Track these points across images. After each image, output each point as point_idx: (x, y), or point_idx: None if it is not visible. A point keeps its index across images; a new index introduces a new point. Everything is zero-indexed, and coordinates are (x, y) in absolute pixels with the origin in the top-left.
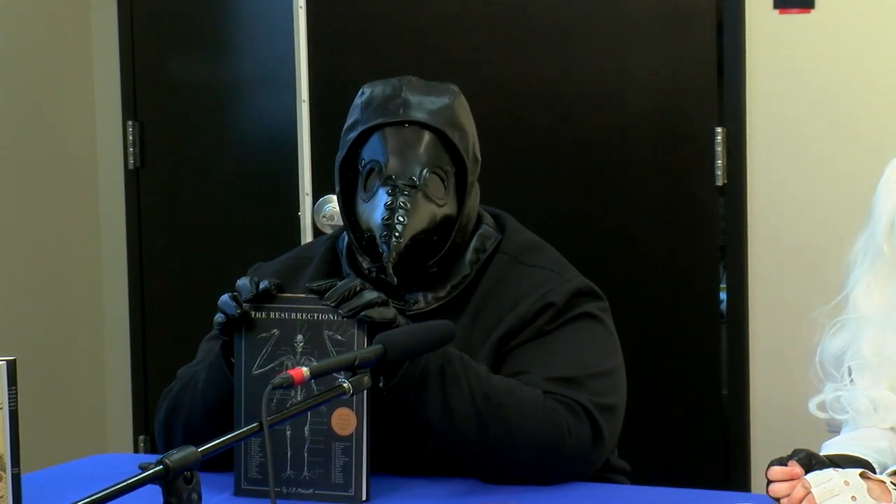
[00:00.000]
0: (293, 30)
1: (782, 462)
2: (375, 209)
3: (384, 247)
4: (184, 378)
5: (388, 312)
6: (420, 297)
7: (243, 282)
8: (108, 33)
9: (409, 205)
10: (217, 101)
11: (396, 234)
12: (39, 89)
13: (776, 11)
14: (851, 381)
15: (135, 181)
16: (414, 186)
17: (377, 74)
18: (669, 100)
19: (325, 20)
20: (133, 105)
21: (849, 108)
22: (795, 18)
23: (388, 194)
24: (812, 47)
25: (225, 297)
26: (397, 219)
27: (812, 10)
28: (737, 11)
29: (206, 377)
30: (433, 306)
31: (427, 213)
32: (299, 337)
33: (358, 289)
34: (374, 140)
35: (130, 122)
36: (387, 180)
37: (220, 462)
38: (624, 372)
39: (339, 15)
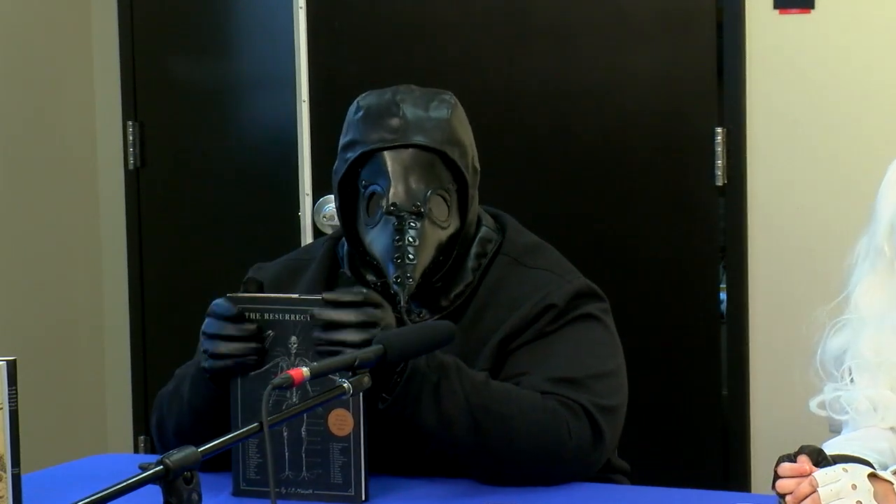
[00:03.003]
0: (293, 30)
1: (791, 458)
2: (382, 242)
3: (397, 288)
4: (173, 382)
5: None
6: (423, 309)
7: (220, 309)
8: (108, 33)
9: (417, 240)
10: (217, 101)
11: (408, 276)
12: (39, 89)
13: (776, 11)
14: (851, 380)
15: (135, 181)
16: (419, 214)
17: (377, 74)
18: (669, 100)
19: (325, 20)
20: (133, 105)
21: (849, 108)
22: (795, 18)
23: (395, 228)
24: (812, 47)
25: (212, 329)
26: (407, 258)
27: (812, 10)
28: (737, 11)
29: (190, 387)
30: (436, 317)
31: (434, 241)
32: (293, 338)
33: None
34: (374, 163)
35: (130, 122)
36: (391, 209)
37: (219, 462)
38: (625, 373)
39: (339, 15)
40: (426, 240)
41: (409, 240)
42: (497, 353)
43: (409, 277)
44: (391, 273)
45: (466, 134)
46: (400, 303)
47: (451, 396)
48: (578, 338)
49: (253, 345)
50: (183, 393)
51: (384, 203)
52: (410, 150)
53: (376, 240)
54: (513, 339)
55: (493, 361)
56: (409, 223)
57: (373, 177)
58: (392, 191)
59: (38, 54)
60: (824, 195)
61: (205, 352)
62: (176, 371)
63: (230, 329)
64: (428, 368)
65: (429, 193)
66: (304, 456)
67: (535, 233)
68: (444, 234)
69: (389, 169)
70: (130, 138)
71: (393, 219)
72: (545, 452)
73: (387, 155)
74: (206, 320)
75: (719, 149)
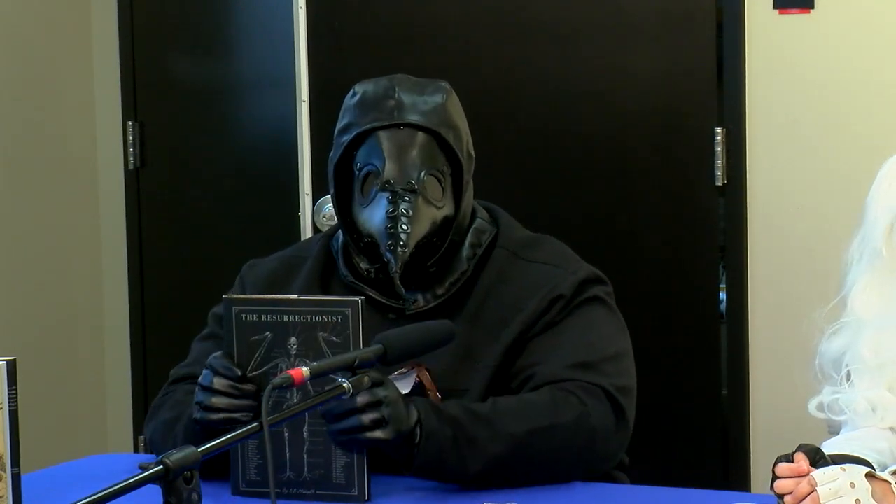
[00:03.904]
0: (293, 30)
1: (789, 458)
2: (376, 216)
3: (389, 256)
4: (171, 411)
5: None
6: (419, 296)
7: (217, 364)
8: (108, 33)
9: (410, 212)
10: (217, 101)
11: (401, 243)
12: (39, 89)
13: (776, 11)
14: (850, 383)
15: (135, 181)
16: (413, 191)
17: (377, 74)
18: (669, 100)
19: (325, 20)
20: (133, 105)
21: (849, 108)
22: (795, 18)
23: (389, 201)
24: (812, 47)
25: (207, 382)
26: (401, 227)
27: (812, 10)
28: (737, 12)
29: (184, 433)
30: (432, 304)
31: (428, 217)
32: (293, 339)
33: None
34: (370, 143)
35: (130, 122)
36: (385, 185)
37: (218, 470)
38: (632, 354)
39: (339, 15)
40: (420, 213)
41: (402, 211)
42: (508, 350)
43: (403, 245)
44: (384, 242)
45: (461, 120)
46: (392, 269)
47: (470, 446)
48: (585, 322)
49: (247, 402)
50: (177, 434)
51: (378, 181)
52: (405, 129)
53: (370, 216)
54: (524, 335)
55: (504, 359)
56: (403, 198)
57: (368, 157)
58: (386, 168)
59: (38, 54)
60: (824, 195)
61: (198, 403)
62: (171, 371)
63: (225, 384)
64: (440, 424)
65: (423, 173)
66: (305, 457)
67: (535, 231)
68: (438, 214)
69: (384, 147)
70: (130, 138)
71: (387, 194)
72: (573, 449)
73: (381, 134)
74: (203, 372)
75: (719, 149)
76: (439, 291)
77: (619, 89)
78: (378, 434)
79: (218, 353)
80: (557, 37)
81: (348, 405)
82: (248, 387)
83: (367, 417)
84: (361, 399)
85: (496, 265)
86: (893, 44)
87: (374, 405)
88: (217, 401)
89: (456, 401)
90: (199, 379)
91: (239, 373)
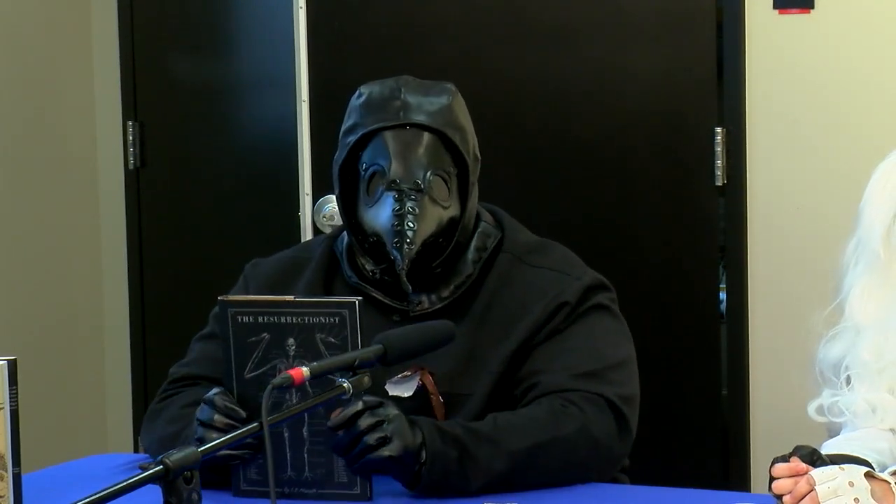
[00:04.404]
0: (293, 30)
1: (785, 459)
2: (383, 215)
3: (396, 254)
4: (172, 425)
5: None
6: (424, 297)
7: (218, 400)
8: (108, 33)
9: (417, 210)
10: (217, 101)
11: (408, 240)
12: (39, 89)
13: (776, 11)
14: (850, 387)
15: (135, 181)
16: (419, 190)
17: (377, 75)
18: (669, 100)
19: (325, 20)
20: (133, 105)
21: (849, 108)
22: (795, 18)
23: (396, 200)
24: (812, 47)
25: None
26: (407, 225)
27: (812, 10)
28: (737, 12)
29: None
30: (437, 306)
31: (434, 217)
32: (291, 340)
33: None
34: (376, 143)
35: (130, 122)
36: (391, 185)
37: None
38: (636, 359)
39: (339, 15)
40: (426, 212)
41: (409, 209)
42: (512, 356)
43: (410, 243)
44: (391, 240)
45: (467, 121)
46: (399, 266)
47: (474, 465)
48: (590, 330)
49: (249, 440)
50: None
51: (384, 181)
52: (411, 129)
53: (376, 215)
54: (528, 342)
55: (508, 365)
56: (409, 196)
57: (374, 157)
58: (393, 167)
59: (38, 54)
60: (824, 195)
61: (198, 439)
62: (170, 370)
63: (224, 422)
64: (444, 446)
65: (429, 173)
66: (306, 456)
67: (535, 232)
68: (444, 214)
69: (390, 147)
70: (130, 138)
71: (393, 193)
72: (575, 460)
73: (387, 135)
74: (202, 407)
75: (719, 149)
76: (444, 294)
77: (619, 89)
78: (385, 452)
79: (218, 390)
80: (557, 37)
81: (352, 432)
82: (251, 426)
83: (372, 437)
84: (364, 422)
85: (501, 269)
86: (893, 44)
87: (377, 425)
88: (217, 437)
89: (456, 420)
90: (198, 413)
91: (244, 415)
